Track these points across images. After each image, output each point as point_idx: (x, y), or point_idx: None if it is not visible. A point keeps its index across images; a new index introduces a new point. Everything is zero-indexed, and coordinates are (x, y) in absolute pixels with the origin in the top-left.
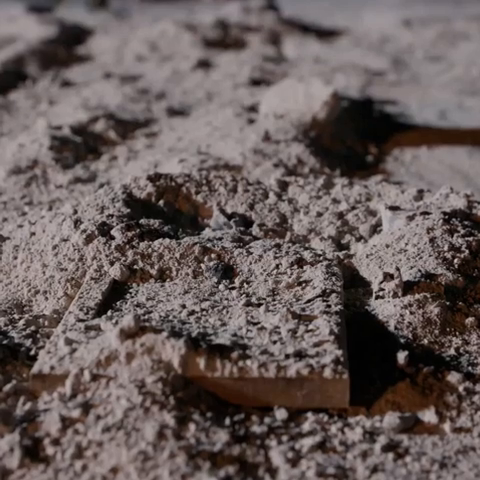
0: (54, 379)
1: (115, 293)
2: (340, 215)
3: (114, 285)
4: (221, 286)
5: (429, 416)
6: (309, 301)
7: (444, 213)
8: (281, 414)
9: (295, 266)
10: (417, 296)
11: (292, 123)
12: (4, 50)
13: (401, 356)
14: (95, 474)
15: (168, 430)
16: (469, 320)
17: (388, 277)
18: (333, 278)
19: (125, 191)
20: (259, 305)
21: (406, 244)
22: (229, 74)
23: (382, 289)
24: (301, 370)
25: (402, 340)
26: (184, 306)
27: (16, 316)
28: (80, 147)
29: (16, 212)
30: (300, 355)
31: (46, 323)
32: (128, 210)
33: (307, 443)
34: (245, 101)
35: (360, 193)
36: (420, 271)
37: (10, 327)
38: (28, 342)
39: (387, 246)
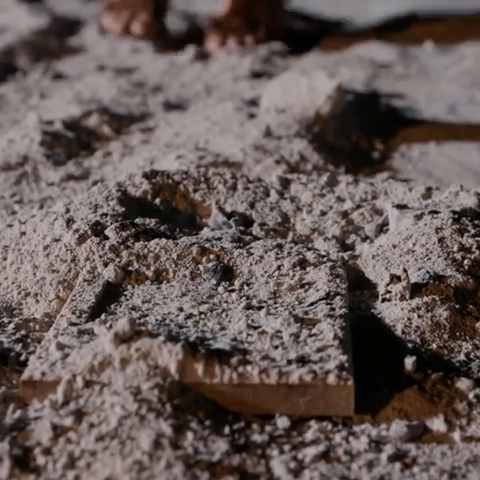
0: (45, 385)
1: (109, 295)
2: (345, 214)
3: (108, 287)
4: (220, 288)
5: (438, 424)
6: (312, 304)
7: (453, 212)
8: (283, 422)
9: (297, 267)
10: (425, 299)
11: (294, 118)
12: None
13: (408, 361)
14: None
15: (165, 439)
16: None
17: (395, 279)
18: (337, 280)
19: (120, 189)
20: (260, 308)
21: (414, 244)
22: (229, 66)
23: (389, 291)
24: (304, 376)
25: (409, 345)
26: (181, 309)
27: (5, 320)
28: (72, 143)
29: (5, 211)
30: (303, 360)
31: (37, 327)
32: (123, 209)
33: (310, 453)
34: (245, 95)
35: (366, 191)
36: (428, 273)
37: None
38: (18, 347)
39: (394, 246)
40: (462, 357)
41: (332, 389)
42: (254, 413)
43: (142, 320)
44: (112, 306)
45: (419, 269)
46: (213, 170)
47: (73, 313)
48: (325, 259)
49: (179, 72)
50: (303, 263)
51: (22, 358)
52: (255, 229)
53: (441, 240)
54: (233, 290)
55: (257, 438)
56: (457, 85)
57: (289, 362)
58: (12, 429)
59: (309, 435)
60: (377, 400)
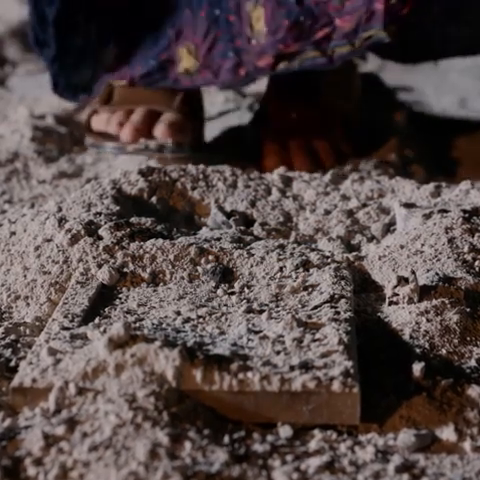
0: (36, 393)
1: (103, 298)
2: (350, 213)
3: (102, 290)
4: (219, 291)
5: (447, 434)
6: (316, 307)
7: (464, 211)
8: (285, 431)
9: (300, 269)
10: (434, 302)
11: None
12: None
13: (417, 367)
14: None
15: (161, 449)
16: None
17: (403, 281)
18: (342, 282)
19: (114, 187)
20: (261, 312)
21: (422, 245)
22: None
23: (396, 294)
24: (307, 383)
25: (418, 350)
26: (179, 313)
27: None
28: (65, 138)
29: None
30: (306, 367)
31: (27, 331)
32: (117, 207)
33: (314, 463)
34: (245, 86)
35: (372, 189)
36: (438, 274)
37: None
38: (8, 352)
39: (401, 247)
40: (473, 363)
41: (337, 397)
42: (255, 422)
43: (138, 324)
44: (106, 309)
45: (428, 271)
46: (212, 167)
47: (65, 317)
48: (329, 260)
49: None
50: (306, 264)
51: (12, 364)
52: (256, 229)
53: (451, 240)
54: (233, 293)
55: (258, 448)
56: (468, 77)
57: (292, 368)
58: (1, 438)
59: (312, 445)
60: (384, 408)
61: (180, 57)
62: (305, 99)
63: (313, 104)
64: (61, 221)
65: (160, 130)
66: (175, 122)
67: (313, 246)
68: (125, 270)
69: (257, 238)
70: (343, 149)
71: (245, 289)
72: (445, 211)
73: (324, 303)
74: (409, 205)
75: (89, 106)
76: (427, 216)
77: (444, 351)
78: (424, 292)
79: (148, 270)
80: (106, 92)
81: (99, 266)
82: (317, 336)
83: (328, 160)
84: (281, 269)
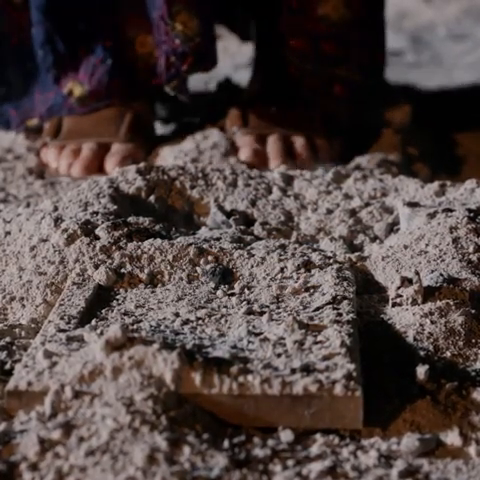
0: (32, 396)
1: (100, 300)
2: (352, 212)
3: (99, 291)
4: (219, 292)
5: (452, 438)
6: (318, 309)
7: (469, 210)
8: (286, 435)
9: (302, 270)
10: (439, 303)
11: None
12: None
13: (421, 370)
14: None
15: (159, 453)
16: None
17: (406, 282)
18: (344, 283)
19: (111, 185)
20: (262, 313)
21: (426, 245)
22: (228, 54)
23: (399, 295)
24: (309, 386)
25: (422, 352)
26: (177, 314)
27: None
28: None
29: None
30: (308, 370)
31: (23, 333)
32: (115, 207)
33: (315, 468)
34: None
35: (375, 188)
36: (442, 275)
37: None
38: (3, 355)
39: (405, 247)
40: (478, 366)
41: (339, 400)
42: (255, 426)
43: (135, 326)
44: (103, 311)
45: (432, 271)
46: (212, 166)
47: (61, 319)
48: (331, 261)
49: None
50: (308, 265)
51: (7, 367)
52: (256, 229)
53: (456, 240)
54: (233, 294)
55: (259, 452)
56: (473, 74)
57: (293, 371)
58: None
59: (314, 449)
60: (387, 412)
61: (70, 89)
62: (286, 95)
63: (293, 100)
64: (57, 221)
65: (111, 165)
66: (125, 155)
67: (315, 246)
68: (122, 271)
69: (257, 238)
70: (318, 144)
71: (245, 290)
72: (450, 210)
73: (326, 304)
74: (413, 204)
75: (40, 138)
76: (431, 215)
77: (448, 353)
78: (428, 293)
79: (146, 271)
80: (54, 124)
81: (96, 267)
82: (319, 338)
83: (303, 153)
84: (282, 270)
